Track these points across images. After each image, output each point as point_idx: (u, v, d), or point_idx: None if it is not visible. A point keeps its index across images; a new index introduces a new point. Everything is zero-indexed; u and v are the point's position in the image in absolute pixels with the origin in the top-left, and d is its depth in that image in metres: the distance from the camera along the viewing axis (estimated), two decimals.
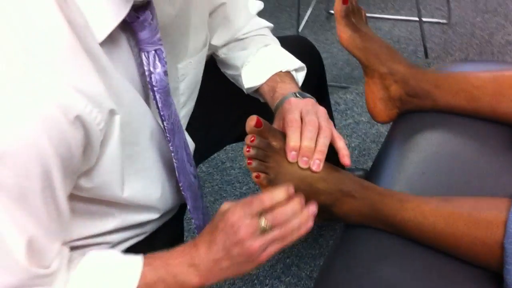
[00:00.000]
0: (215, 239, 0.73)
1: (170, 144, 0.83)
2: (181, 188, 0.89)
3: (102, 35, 0.66)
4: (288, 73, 0.99)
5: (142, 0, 0.69)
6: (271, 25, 1.09)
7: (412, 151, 0.93)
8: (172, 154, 0.84)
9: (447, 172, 0.87)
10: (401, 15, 2.30)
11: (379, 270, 0.77)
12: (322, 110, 0.87)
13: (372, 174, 0.94)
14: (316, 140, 0.83)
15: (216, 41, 1.03)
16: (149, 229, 0.91)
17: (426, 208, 0.77)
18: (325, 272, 0.83)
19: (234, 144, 1.58)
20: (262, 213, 0.73)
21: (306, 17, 2.29)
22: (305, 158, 0.81)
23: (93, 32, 0.65)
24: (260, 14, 1.10)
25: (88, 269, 0.74)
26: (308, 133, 0.82)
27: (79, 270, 0.73)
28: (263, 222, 0.72)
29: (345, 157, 0.84)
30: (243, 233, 0.71)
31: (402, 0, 2.40)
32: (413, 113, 0.99)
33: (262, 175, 0.81)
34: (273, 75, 0.98)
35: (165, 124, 0.81)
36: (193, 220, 0.96)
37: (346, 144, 0.88)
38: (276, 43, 1.06)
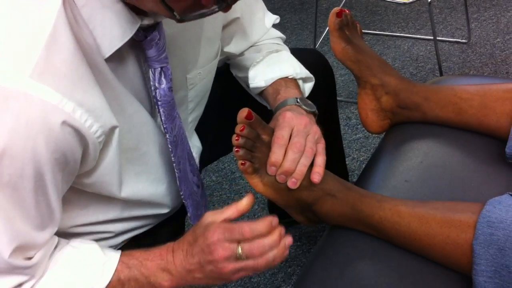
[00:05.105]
0: (192, 252, 0.77)
1: (172, 155, 0.88)
2: (182, 197, 0.93)
3: (108, 52, 0.72)
4: (294, 80, 1.00)
5: (149, 23, 0.74)
6: (283, 36, 1.12)
7: (398, 160, 0.95)
8: (174, 164, 0.88)
9: (429, 181, 0.89)
10: (421, 34, 2.32)
11: (353, 270, 0.80)
12: (314, 131, 0.87)
13: (360, 181, 0.97)
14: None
15: (233, 49, 1.05)
16: (153, 221, 0.96)
17: (402, 208, 0.79)
18: (304, 272, 0.85)
19: None
20: (240, 240, 0.75)
21: (324, 34, 2.33)
22: (283, 176, 0.83)
23: (100, 49, 0.71)
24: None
25: (65, 260, 0.78)
26: (292, 154, 0.83)
27: (55, 261, 0.77)
28: (239, 250, 0.74)
29: (315, 173, 0.84)
30: (218, 255, 0.74)
31: (423, 19, 2.41)
32: (404, 124, 1.02)
33: (248, 163, 0.83)
34: (279, 79, 0.99)
35: (167, 137, 0.86)
36: None
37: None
38: (287, 51, 1.07)
